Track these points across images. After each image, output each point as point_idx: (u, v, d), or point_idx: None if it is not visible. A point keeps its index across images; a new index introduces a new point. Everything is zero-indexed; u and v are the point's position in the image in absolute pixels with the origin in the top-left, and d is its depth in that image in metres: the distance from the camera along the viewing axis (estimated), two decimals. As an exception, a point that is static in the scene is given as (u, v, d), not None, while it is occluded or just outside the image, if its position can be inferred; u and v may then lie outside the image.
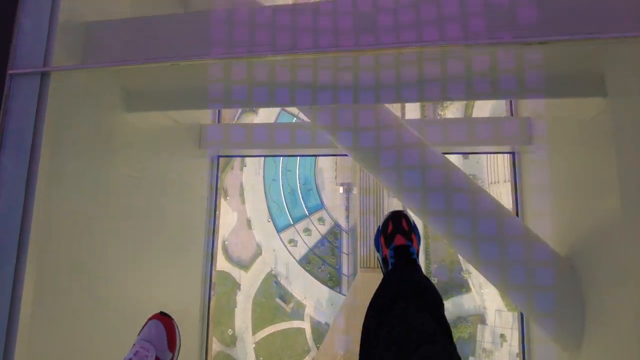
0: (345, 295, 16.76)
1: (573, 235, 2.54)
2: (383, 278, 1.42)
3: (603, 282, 2.20)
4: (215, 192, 3.69)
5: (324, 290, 17.40)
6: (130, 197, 2.56)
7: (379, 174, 2.63)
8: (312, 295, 17.35)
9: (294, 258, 18.11)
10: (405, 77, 1.96)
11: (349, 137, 2.67)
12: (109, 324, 2.17)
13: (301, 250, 18.22)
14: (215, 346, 16.53)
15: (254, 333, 16.77)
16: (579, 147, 2.43)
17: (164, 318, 1.57)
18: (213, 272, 3.95)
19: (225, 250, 18.13)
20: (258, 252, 18.30)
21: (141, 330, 1.54)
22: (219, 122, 3.64)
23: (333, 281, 17.54)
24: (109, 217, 2.29)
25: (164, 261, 2.99)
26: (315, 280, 17.57)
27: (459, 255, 16.60)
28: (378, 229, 1.59)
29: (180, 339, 1.61)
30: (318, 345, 16.23)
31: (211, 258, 3.90)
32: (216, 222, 3.95)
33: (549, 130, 2.65)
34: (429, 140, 2.93)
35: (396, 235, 1.47)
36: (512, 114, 3.21)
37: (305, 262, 18.01)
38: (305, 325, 16.81)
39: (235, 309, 17.24)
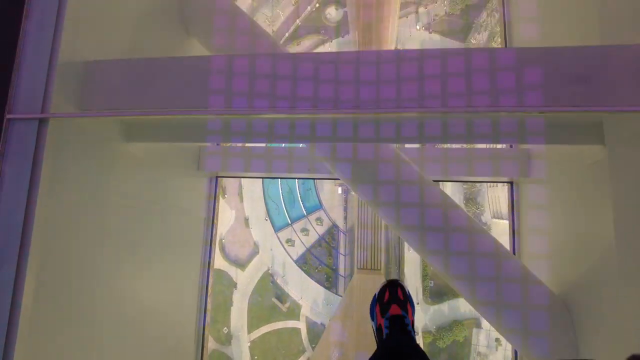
0: (341, 296, 16.80)
1: (569, 274, 2.54)
2: (378, 346, 1.42)
3: (596, 322, 2.20)
4: (213, 212, 3.69)
5: (320, 291, 17.42)
6: (128, 222, 2.56)
7: (377, 209, 2.63)
8: (308, 295, 17.37)
9: (291, 258, 18.11)
10: (405, 126, 1.95)
11: (347, 170, 2.66)
12: (106, 328, 2.19)
13: (298, 250, 18.22)
14: (210, 344, 16.59)
15: (249, 332, 16.81)
16: (577, 190, 2.43)
17: None
18: (208, 295, 3.98)
19: (223, 248, 18.13)
20: (255, 251, 18.29)
21: None
22: (218, 144, 3.64)
23: (329, 282, 17.56)
24: (109, 244, 2.30)
25: (162, 272, 3.02)
26: (312, 281, 17.59)
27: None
28: (374, 297, 1.59)
29: None
30: (313, 345, 16.29)
31: (207, 269, 3.91)
32: (213, 237, 3.95)
33: (548, 170, 2.65)
34: (428, 170, 2.93)
35: (392, 304, 1.47)
36: (511, 145, 3.21)
37: (302, 262, 18.01)
38: (301, 325, 16.85)
39: (231, 307, 17.26)
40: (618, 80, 1.60)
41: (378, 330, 1.50)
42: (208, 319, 4.15)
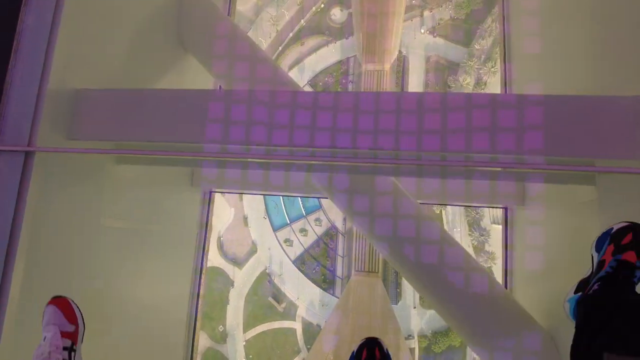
0: (338, 298, 16.82)
1: (556, 308, 2.52)
2: None
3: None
4: (206, 228, 3.69)
5: (316, 292, 17.44)
6: (119, 238, 2.56)
7: (374, 241, 2.61)
8: (304, 296, 17.40)
9: (289, 258, 18.13)
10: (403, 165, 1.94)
11: (344, 200, 2.65)
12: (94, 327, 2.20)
13: (296, 250, 18.23)
14: (205, 342, 16.64)
15: (244, 331, 16.85)
16: (569, 224, 2.42)
17: (55, 300, 1.70)
18: (200, 297, 3.98)
19: (221, 246, 18.15)
20: (253, 250, 18.31)
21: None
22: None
23: (327, 283, 17.58)
24: (101, 266, 2.30)
25: (154, 278, 3.04)
26: (309, 281, 17.61)
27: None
28: (351, 355, 1.57)
29: (80, 311, 1.74)
30: (308, 346, 16.33)
31: (200, 274, 3.91)
32: (205, 250, 3.95)
33: (545, 203, 2.64)
34: (423, 193, 2.91)
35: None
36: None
37: (300, 263, 18.03)
38: (297, 326, 16.89)
39: (227, 305, 17.30)
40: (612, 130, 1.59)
41: None
42: (199, 324, 4.15)
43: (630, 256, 1.33)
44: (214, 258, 17.74)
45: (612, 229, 1.43)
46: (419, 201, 2.86)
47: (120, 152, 1.69)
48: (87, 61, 2.02)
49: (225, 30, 2.84)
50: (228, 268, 17.96)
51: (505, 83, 3.56)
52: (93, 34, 2.05)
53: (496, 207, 3.37)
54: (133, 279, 2.94)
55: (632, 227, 1.39)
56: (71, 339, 1.65)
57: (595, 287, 1.37)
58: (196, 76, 3.17)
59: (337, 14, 17.87)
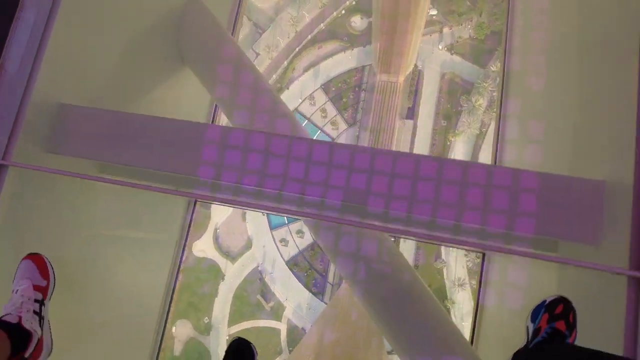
0: (326, 304, 16.82)
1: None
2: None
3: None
4: (187, 234, 3.73)
5: (306, 295, 17.46)
6: (98, 246, 2.60)
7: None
8: (293, 298, 17.42)
9: (283, 258, 18.16)
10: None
11: (330, 238, 2.67)
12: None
13: (291, 251, 18.26)
14: (189, 332, 16.72)
15: (229, 325, 16.91)
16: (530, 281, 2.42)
17: (31, 256, 1.84)
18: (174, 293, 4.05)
19: (216, 238, 18.21)
20: (248, 246, 18.35)
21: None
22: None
23: (317, 287, 17.59)
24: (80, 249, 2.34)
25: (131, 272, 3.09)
26: (300, 284, 17.63)
27: (445, 282, 16.59)
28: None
29: (52, 269, 1.87)
30: (291, 348, 16.35)
31: (177, 272, 3.98)
32: (185, 246, 4.01)
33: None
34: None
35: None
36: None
37: (293, 264, 18.06)
38: (282, 327, 16.92)
39: (216, 298, 17.36)
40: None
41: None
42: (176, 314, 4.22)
43: (561, 325, 1.50)
44: (207, 249, 17.82)
45: (545, 300, 1.60)
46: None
47: (99, 179, 1.71)
48: (76, 73, 2.04)
49: (229, 54, 2.87)
50: (220, 261, 18.02)
51: (499, 117, 3.49)
52: (86, 44, 2.07)
53: (474, 251, 3.37)
54: (114, 264, 3.01)
55: (562, 299, 1.57)
56: (42, 293, 1.79)
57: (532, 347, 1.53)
58: (194, 90, 3.19)
59: (357, 22, 17.86)
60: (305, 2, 17.92)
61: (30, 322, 1.65)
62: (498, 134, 2.74)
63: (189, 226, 3.59)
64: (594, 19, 2.11)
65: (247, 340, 1.78)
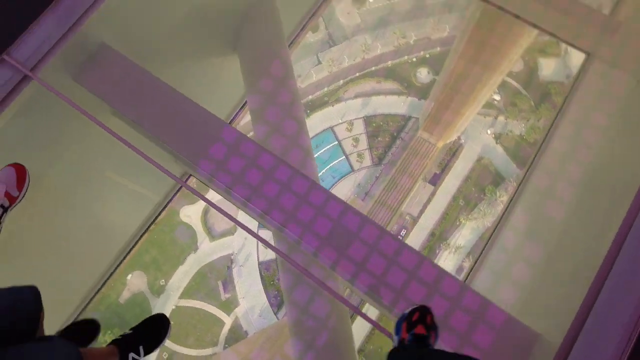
0: (275, 320, 16.65)
1: None
2: None
3: None
4: (171, 199, 3.74)
5: (263, 302, 17.31)
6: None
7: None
8: (250, 299, 17.29)
9: (257, 257, 18.09)
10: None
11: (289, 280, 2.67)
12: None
13: (268, 254, 18.18)
14: (141, 286, 16.67)
15: (180, 297, 16.82)
16: None
17: (16, 165, 1.91)
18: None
19: (206, 212, 18.26)
20: (232, 231, 18.34)
21: None
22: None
23: (276, 300, 17.43)
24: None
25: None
26: (262, 288, 17.51)
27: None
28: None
29: (28, 184, 1.94)
30: (226, 345, 16.16)
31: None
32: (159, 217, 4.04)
33: None
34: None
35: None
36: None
37: (265, 267, 17.96)
38: (228, 321, 16.76)
39: (180, 266, 17.33)
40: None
41: None
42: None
43: (420, 329, 1.59)
44: (193, 217, 17.86)
45: (405, 313, 1.70)
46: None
47: (102, 125, 1.74)
48: (128, 22, 2.10)
49: (277, 67, 2.91)
50: (200, 234, 18.04)
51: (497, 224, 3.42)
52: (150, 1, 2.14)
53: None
54: (93, 198, 3.03)
55: (418, 308, 1.67)
56: (10, 202, 1.85)
57: None
58: (233, 78, 3.23)
59: (423, 74, 18.03)
60: (383, 36, 18.20)
61: None
62: (488, 241, 2.72)
63: (176, 192, 3.61)
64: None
65: (169, 321, 1.73)
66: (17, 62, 1.78)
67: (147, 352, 1.66)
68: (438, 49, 17.90)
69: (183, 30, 2.52)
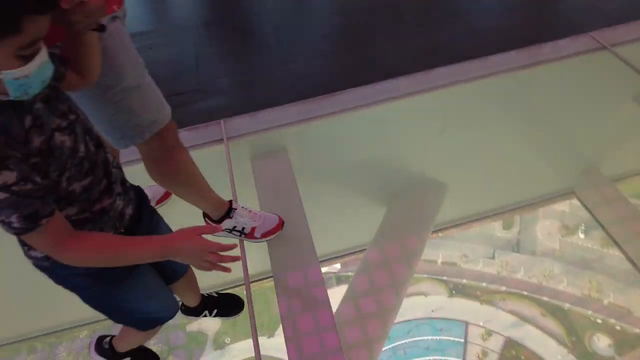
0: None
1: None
2: None
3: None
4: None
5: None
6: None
7: None
8: None
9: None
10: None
11: None
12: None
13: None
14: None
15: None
16: None
17: None
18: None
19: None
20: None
21: None
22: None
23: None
24: None
25: None
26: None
27: None
28: None
29: None
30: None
31: None
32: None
33: None
34: None
35: None
36: None
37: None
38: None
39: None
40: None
41: None
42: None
43: None
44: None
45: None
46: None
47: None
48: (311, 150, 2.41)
49: (413, 242, 2.83)
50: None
51: None
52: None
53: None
54: None
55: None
56: None
57: None
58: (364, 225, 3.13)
59: (602, 343, 14.99)
60: (574, 274, 16.09)
61: None
62: None
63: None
64: None
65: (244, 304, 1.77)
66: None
67: (216, 315, 1.71)
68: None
69: (343, 177, 2.61)
